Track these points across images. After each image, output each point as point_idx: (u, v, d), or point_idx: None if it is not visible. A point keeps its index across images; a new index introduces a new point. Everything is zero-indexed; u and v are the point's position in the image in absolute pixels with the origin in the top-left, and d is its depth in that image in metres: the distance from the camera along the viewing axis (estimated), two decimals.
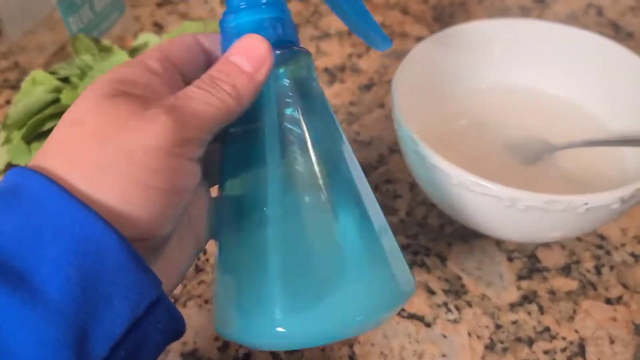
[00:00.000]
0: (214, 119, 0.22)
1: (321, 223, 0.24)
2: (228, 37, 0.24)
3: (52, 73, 0.40)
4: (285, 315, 0.22)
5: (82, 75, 0.40)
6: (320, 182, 0.24)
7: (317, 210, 0.24)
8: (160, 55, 0.24)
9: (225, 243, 0.25)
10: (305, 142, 0.24)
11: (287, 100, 0.25)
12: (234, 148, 0.25)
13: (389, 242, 0.26)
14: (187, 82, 0.25)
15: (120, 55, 0.38)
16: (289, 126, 0.24)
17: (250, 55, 0.23)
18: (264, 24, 0.24)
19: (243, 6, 0.24)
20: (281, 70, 0.25)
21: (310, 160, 0.24)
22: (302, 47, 0.26)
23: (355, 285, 0.23)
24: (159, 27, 0.58)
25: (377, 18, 0.58)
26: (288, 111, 0.24)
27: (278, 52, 0.24)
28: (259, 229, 0.23)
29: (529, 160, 0.39)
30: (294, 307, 0.22)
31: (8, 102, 0.50)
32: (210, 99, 0.22)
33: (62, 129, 0.21)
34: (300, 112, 0.25)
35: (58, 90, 0.39)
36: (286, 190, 0.24)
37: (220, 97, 0.22)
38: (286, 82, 0.25)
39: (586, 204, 0.30)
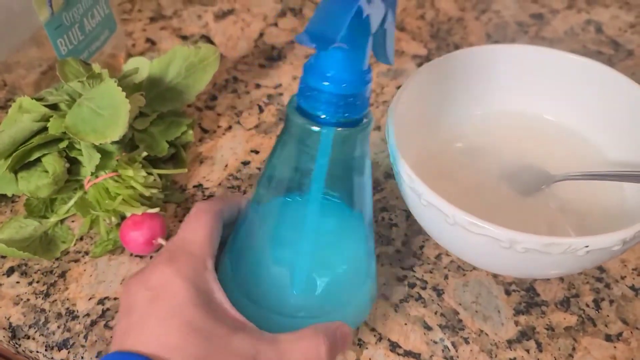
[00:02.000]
0: None
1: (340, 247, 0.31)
2: (306, 89, 0.26)
3: (39, 99, 0.39)
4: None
5: (71, 102, 0.39)
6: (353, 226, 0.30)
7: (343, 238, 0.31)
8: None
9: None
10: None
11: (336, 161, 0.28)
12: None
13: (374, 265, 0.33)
14: None
15: (109, 84, 0.36)
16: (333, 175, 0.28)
17: (344, 344, 0.28)
18: (340, 100, 0.26)
19: (329, 75, 0.25)
20: (339, 140, 0.27)
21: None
22: (366, 118, 0.28)
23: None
24: (151, 43, 0.57)
25: None
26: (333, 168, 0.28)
27: (341, 129, 0.27)
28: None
29: (527, 191, 0.38)
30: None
31: None
32: None
33: None
34: (343, 171, 0.29)
35: (45, 119, 0.38)
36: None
37: None
38: (340, 146, 0.27)
39: (587, 246, 0.29)
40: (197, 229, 0.29)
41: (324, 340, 0.26)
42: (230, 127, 0.48)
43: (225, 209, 0.31)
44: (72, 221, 0.41)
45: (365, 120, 0.28)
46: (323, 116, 0.26)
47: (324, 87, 0.25)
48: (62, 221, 0.41)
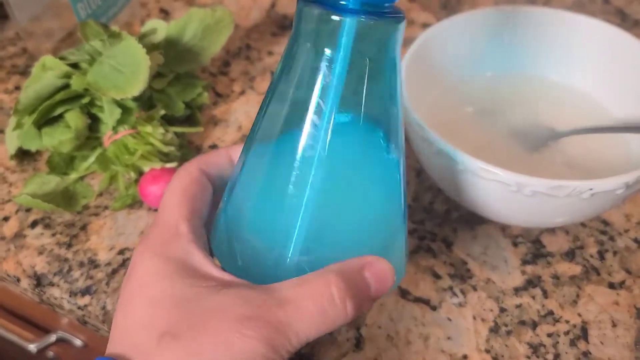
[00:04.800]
0: (313, 337, 0.21)
1: (359, 189, 0.25)
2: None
3: (62, 59, 0.41)
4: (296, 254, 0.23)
5: (92, 61, 0.40)
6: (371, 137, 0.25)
7: (364, 164, 0.25)
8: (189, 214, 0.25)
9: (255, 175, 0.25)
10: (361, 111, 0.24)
11: (359, 66, 0.24)
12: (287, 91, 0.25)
13: (404, 227, 0.28)
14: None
15: (130, 42, 0.38)
16: (354, 80, 0.24)
17: (381, 284, 0.22)
18: None
19: None
20: (364, 34, 0.23)
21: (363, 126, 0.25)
22: (393, 12, 0.24)
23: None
24: (165, 13, 0.58)
25: None
26: (357, 70, 0.24)
27: (365, 17, 0.23)
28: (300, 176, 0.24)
29: (534, 147, 0.39)
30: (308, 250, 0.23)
31: (17, 87, 0.50)
32: (322, 319, 0.20)
33: (153, 340, 0.20)
34: (369, 74, 0.24)
35: (68, 76, 0.39)
36: (331, 151, 0.24)
37: (335, 316, 0.20)
38: (365, 44, 0.23)
39: (591, 189, 0.30)
40: (172, 193, 0.26)
41: (335, 280, 0.21)
42: (243, 92, 0.49)
43: (211, 164, 0.27)
44: (92, 178, 0.43)
45: (395, 15, 0.24)
46: (343, 2, 0.23)
47: None
48: (82, 178, 0.42)
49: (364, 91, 0.24)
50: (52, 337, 0.52)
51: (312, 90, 0.24)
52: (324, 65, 0.23)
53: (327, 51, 0.23)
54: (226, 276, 0.23)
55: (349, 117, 0.24)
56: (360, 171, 0.25)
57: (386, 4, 0.24)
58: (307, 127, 0.24)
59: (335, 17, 0.23)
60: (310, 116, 0.24)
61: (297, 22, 0.24)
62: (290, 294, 0.20)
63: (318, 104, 0.23)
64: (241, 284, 0.22)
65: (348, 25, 0.23)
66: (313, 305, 0.20)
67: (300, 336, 0.20)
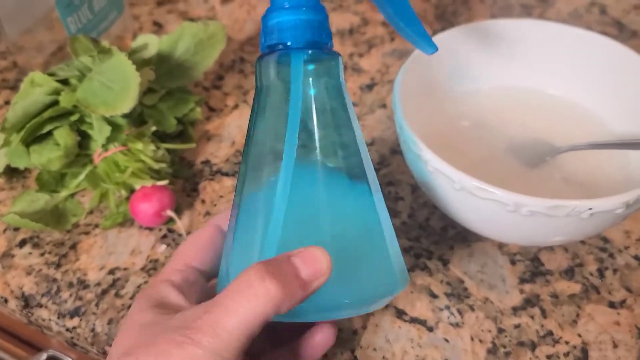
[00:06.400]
0: (248, 324, 0.22)
1: (329, 203, 0.26)
2: (268, 32, 0.28)
3: (51, 74, 0.40)
4: None
5: (81, 77, 0.39)
6: (332, 168, 0.27)
7: (328, 191, 0.26)
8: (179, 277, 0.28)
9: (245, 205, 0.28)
10: (322, 127, 0.27)
11: (312, 93, 0.27)
12: (260, 123, 0.28)
13: (390, 235, 0.28)
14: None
15: (120, 58, 0.37)
16: (310, 113, 0.27)
17: (310, 265, 0.23)
18: (302, 23, 0.27)
19: (286, 6, 0.27)
20: (311, 67, 0.27)
21: (325, 145, 0.27)
22: (333, 50, 0.29)
23: (355, 266, 0.25)
24: (158, 26, 0.57)
25: (379, 17, 0.57)
26: (310, 102, 0.27)
27: (310, 51, 0.27)
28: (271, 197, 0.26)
29: (533, 163, 0.38)
30: None
31: (7, 102, 0.49)
32: (244, 302, 0.22)
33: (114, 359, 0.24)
34: (321, 103, 0.27)
35: (57, 92, 0.39)
36: (299, 173, 0.26)
37: (254, 295, 0.22)
38: (313, 76, 0.27)
39: (590, 209, 0.29)
40: (184, 243, 0.30)
41: (254, 266, 0.22)
42: (237, 106, 0.49)
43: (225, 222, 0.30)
44: (82, 196, 0.42)
45: (333, 52, 0.29)
46: (289, 43, 0.27)
47: (285, 14, 0.27)
48: (72, 195, 0.42)
49: (319, 123, 0.27)
50: (43, 356, 0.51)
51: (277, 127, 0.27)
52: (283, 100, 0.27)
53: (283, 87, 0.27)
54: (188, 305, 0.26)
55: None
56: (327, 199, 0.27)
57: (324, 44, 0.28)
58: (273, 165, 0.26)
59: (285, 59, 0.27)
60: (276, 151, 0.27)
61: (257, 74, 0.28)
62: (219, 296, 0.23)
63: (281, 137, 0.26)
64: (194, 306, 0.24)
65: (295, 58, 0.27)
66: (235, 294, 0.22)
67: (230, 329, 0.21)
